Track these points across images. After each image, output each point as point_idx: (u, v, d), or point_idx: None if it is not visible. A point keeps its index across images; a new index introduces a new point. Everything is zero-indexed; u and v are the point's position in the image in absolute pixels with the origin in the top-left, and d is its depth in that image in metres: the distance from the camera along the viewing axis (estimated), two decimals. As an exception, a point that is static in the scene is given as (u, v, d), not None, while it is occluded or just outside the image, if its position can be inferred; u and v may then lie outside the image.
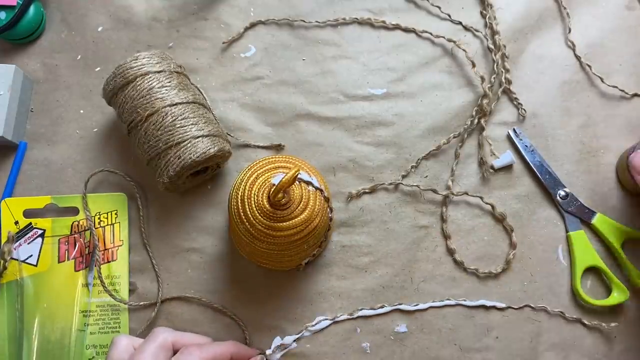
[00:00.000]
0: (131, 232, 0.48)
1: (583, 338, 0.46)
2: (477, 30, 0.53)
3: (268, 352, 0.44)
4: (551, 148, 0.50)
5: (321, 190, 0.41)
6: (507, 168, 0.50)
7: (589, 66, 0.52)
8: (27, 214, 0.48)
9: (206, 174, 0.48)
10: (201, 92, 0.49)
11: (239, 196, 0.40)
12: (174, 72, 0.46)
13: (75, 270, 0.46)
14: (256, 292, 0.47)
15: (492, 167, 0.49)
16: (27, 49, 0.53)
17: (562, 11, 0.54)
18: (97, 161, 0.50)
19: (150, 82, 0.44)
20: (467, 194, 0.49)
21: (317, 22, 0.53)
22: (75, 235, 0.47)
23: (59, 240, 0.47)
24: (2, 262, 0.45)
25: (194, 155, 0.43)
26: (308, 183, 0.41)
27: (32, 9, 0.51)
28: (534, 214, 0.49)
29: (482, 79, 0.51)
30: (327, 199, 0.42)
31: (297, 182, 0.40)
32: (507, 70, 0.52)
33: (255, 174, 0.41)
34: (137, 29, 0.53)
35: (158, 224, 0.49)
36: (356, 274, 0.47)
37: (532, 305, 0.46)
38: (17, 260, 0.46)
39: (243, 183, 0.40)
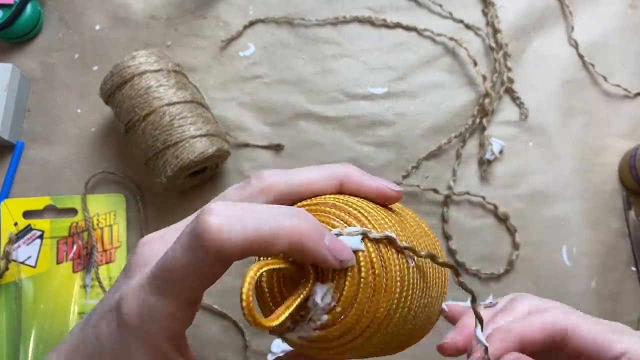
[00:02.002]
0: (129, 233, 0.48)
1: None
2: (478, 29, 0.53)
3: (268, 356, 0.44)
4: (553, 147, 0.50)
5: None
6: (508, 168, 0.49)
7: (591, 65, 0.51)
8: (26, 215, 0.47)
9: (204, 173, 0.47)
10: (199, 91, 0.48)
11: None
12: (172, 71, 0.45)
13: (74, 272, 0.46)
14: (256, 293, 0.46)
15: (487, 161, 0.49)
16: (24, 48, 0.52)
17: (564, 9, 0.54)
18: (94, 161, 0.49)
19: (147, 81, 0.43)
20: (468, 193, 0.48)
21: (317, 20, 0.53)
22: (74, 237, 0.47)
23: (57, 241, 0.47)
24: (4, 262, 0.45)
25: (192, 155, 0.42)
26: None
27: (29, 8, 0.51)
28: (538, 214, 0.48)
29: (484, 78, 0.51)
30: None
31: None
32: (509, 69, 0.51)
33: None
34: (135, 27, 0.53)
35: (157, 225, 0.48)
36: (357, 275, 0.47)
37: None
38: (16, 261, 0.46)
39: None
